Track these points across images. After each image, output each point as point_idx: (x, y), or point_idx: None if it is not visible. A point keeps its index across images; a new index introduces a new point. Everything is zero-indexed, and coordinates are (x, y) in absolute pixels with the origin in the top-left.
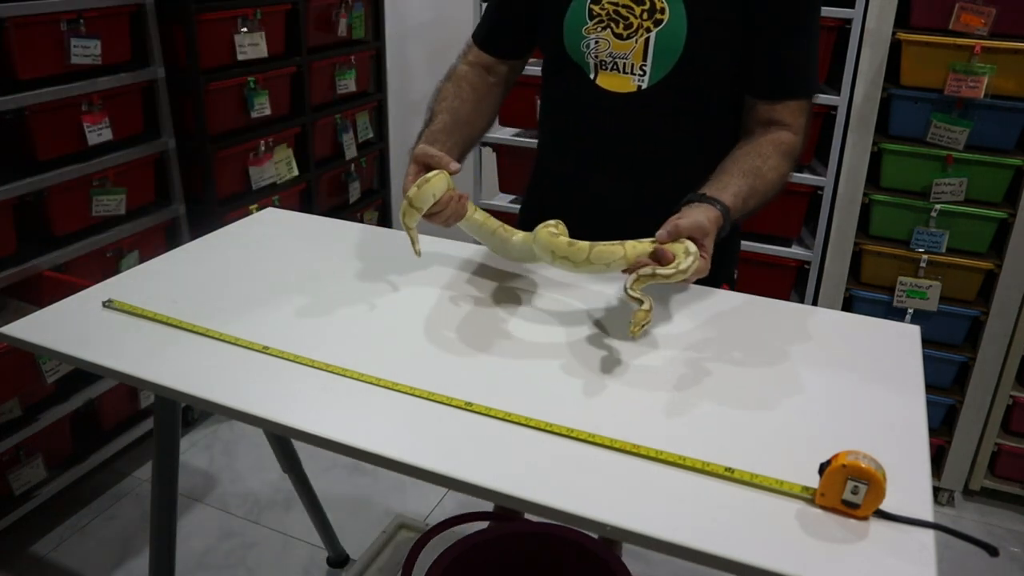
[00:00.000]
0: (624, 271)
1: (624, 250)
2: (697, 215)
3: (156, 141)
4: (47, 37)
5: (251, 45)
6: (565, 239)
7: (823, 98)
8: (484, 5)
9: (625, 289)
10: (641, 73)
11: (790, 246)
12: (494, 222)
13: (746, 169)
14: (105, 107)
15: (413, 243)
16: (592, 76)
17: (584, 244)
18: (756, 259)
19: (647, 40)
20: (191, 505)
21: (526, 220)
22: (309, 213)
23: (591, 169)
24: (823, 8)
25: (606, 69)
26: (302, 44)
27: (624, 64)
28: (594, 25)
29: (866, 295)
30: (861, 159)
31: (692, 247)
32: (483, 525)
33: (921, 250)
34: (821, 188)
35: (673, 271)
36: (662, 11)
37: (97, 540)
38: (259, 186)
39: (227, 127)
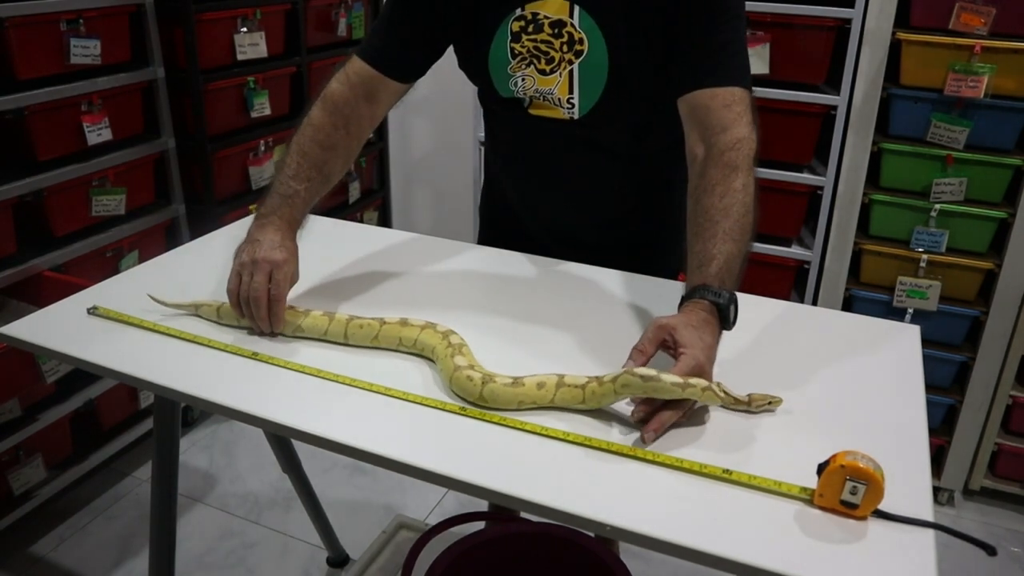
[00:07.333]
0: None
1: (585, 390)
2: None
3: (156, 141)
4: (47, 37)
5: (251, 45)
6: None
7: (823, 98)
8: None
9: (723, 399)
10: (570, 106)
11: (790, 246)
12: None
13: (735, 236)
14: (105, 107)
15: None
16: (526, 106)
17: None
18: (756, 259)
19: (571, 72)
20: (191, 505)
21: (485, 236)
22: (309, 213)
23: (537, 188)
24: (824, 8)
25: (539, 98)
26: (302, 44)
27: (552, 98)
28: (518, 64)
29: (866, 295)
30: (861, 159)
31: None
32: (482, 525)
33: (921, 250)
34: (821, 188)
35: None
36: (581, 41)
37: (97, 540)
38: (259, 186)
39: (227, 127)
